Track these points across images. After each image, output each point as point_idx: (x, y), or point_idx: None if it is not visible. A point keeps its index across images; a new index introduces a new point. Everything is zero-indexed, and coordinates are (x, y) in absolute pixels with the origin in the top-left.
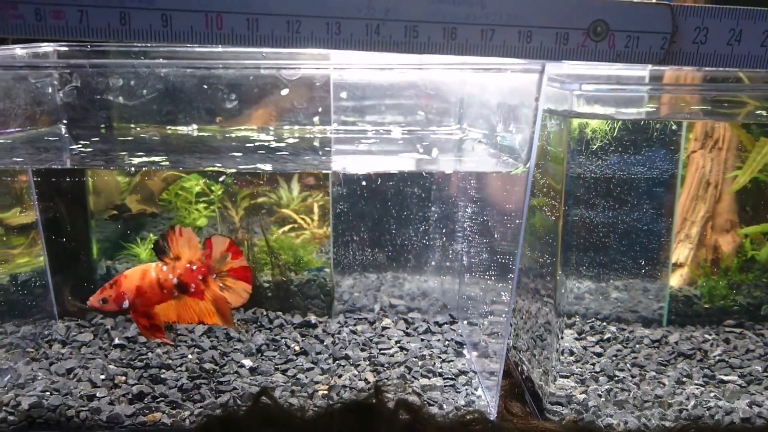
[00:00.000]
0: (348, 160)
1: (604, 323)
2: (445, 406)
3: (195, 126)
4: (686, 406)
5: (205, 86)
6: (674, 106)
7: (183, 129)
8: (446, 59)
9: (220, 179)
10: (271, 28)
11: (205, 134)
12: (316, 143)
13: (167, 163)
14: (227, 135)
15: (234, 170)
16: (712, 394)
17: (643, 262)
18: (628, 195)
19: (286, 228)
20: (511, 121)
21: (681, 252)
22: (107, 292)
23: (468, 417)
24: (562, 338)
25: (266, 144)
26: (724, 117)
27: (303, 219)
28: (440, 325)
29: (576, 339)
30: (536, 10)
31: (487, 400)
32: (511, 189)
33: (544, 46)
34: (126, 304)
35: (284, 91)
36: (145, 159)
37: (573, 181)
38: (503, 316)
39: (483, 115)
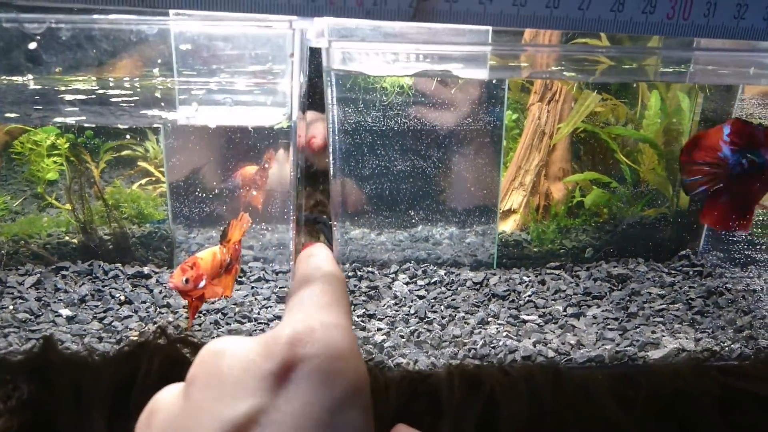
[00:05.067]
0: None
1: (435, 267)
2: None
3: (31, 76)
4: (476, 345)
5: (39, 37)
6: (534, 64)
7: (18, 79)
8: None
9: (81, 135)
10: None
11: (43, 86)
12: (158, 95)
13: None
14: (66, 87)
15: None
16: (504, 334)
17: (470, 210)
18: (445, 147)
19: (143, 181)
20: (281, 76)
21: (515, 199)
22: (189, 273)
23: None
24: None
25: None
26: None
27: (162, 173)
28: (277, 273)
29: (406, 284)
30: None
31: None
32: (280, 143)
33: (292, 3)
34: (202, 283)
35: (32, 44)
36: None
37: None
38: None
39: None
